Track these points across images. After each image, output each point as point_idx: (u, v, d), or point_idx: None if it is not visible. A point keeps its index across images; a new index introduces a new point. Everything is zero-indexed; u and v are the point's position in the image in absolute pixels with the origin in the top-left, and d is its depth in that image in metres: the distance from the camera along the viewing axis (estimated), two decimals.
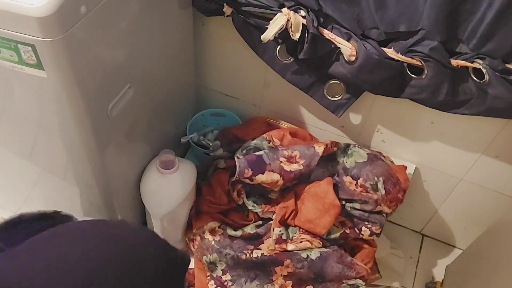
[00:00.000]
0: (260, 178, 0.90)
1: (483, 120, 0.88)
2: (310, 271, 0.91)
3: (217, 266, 0.97)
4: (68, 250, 0.43)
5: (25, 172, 0.87)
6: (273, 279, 0.95)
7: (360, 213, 0.93)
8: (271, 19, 0.83)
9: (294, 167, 0.91)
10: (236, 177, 0.90)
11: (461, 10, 0.74)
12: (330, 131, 1.10)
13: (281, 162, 0.92)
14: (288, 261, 0.92)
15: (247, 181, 0.91)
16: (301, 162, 0.92)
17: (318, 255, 0.91)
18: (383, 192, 0.91)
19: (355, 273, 0.91)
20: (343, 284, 0.92)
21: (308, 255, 0.91)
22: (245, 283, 0.96)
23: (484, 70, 0.76)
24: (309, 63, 0.91)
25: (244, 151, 0.97)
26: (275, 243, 0.91)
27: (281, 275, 0.94)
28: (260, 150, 0.96)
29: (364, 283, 0.92)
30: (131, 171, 0.90)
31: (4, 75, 0.63)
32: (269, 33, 0.83)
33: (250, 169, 0.90)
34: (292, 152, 0.93)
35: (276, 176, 0.90)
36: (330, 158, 0.97)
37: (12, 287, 0.38)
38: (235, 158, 0.93)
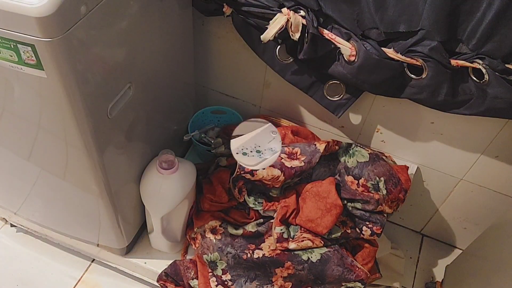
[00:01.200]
0: (261, 173, 0.90)
1: (483, 120, 0.88)
2: (310, 273, 0.91)
3: (218, 266, 0.97)
4: None
5: (25, 172, 0.87)
6: (273, 280, 0.95)
7: (362, 213, 0.93)
8: (271, 19, 0.83)
9: (295, 163, 0.91)
10: (237, 171, 0.90)
11: (461, 10, 0.74)
12: (330, 131, 1.10)
13: (282, 158, 0.92)
14: (289, 263, 0.92)
15: (248, 176, 0.91)
16: (302, 158, 0.92)
17: (319, 258, 0.91)
18: (384, 192, 0.91)
19: (355, 276, 0.91)
20: (342, 287, 0.92)
21: (309, 258, 0.91)
22: (245, 283, 0.96)
23: (483, 70, 0.76)
24: (309, 63, 0.91)
25: None
26: (277, 242, 0.91)
27: (281, 276, 0.94)
28: None
29: (363, 286, 0.92)
30: (131, 171, 0.90)
31: (4, 75, 0.63)
32: (269, 33, 0.83)
33: None
34: (293, 149, 0.93)
35: (277, 172, 0.90)
36: (332, 157, 0.96)
37: None
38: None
